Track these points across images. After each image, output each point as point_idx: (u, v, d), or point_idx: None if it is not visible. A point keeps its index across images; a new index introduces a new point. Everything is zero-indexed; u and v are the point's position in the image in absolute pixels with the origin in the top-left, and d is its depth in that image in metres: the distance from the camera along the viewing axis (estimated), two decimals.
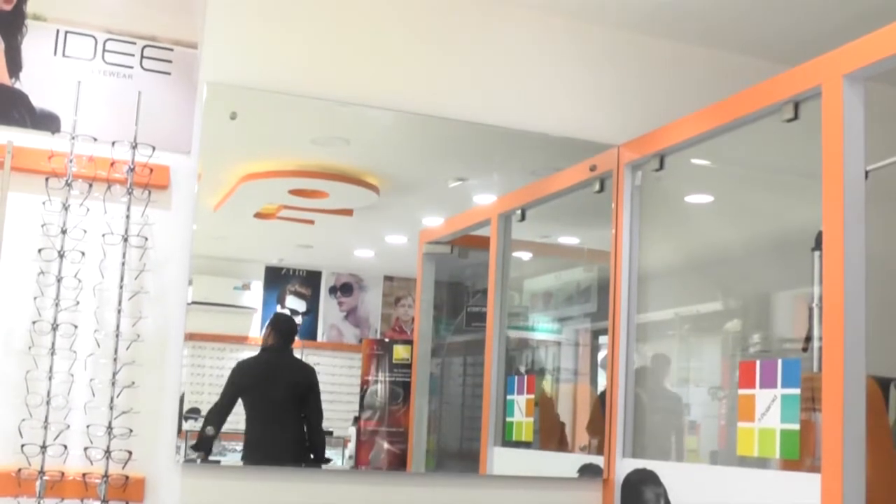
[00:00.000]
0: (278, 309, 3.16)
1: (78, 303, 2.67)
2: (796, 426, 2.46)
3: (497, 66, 3.29)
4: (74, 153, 2.69)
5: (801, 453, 2.45)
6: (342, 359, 3.17)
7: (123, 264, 2.70)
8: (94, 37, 2.80)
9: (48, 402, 2.58)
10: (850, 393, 2.26)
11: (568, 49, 3.39)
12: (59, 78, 2.76)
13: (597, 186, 3.35)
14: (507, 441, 3.29)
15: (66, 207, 2.67)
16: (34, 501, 2.54)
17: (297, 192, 3.11)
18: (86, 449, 2.61)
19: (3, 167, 2.65)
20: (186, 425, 2.82)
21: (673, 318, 3.42)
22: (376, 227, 3.31)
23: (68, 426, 2.61)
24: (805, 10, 3.23)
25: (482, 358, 3.32)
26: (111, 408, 2.63)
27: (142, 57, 2.84)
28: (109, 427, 2.62)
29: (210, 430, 2.90)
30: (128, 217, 2.72)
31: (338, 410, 3.13)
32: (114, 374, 2.65)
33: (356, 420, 3.11)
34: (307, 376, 3.07)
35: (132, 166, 2.73)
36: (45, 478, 2.55)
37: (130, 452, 2.64)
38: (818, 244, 2.49)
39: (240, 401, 3.00)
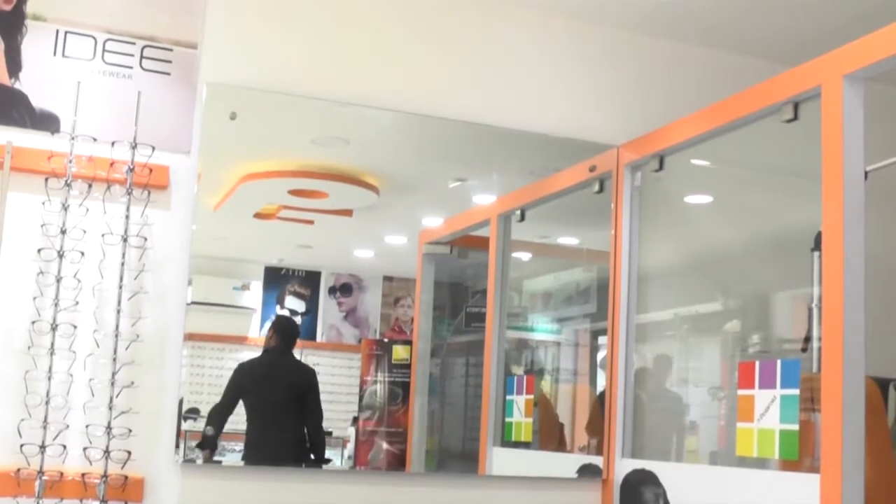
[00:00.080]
0: (278, 309, 3.16)
1: (77, 303, 2.67)
2: (795, 427, 2.46)
3: (497, 66, 3.29)
4: (74, 153, 2.69)
5: (800, 454, 2.45)
6: (341, 359, 3.17)
7: (123, 264, 2.70)
8: (93, 37, 2.80)
9: (47, 402, 2.58)
10: (849, 393, 2.26)
11: (567, 49, 3.39)
12: (59, 78, 2.76)
13: (596, 187, 3.35)
14: (507, 441, 3.29)
15: (65, 207, 2.67)
16: (33, 501, 2.54)
17: (296, 193, 3.11)
18: (85, 449, 2.61)
19: (3, 167, 2.65)
20: (186, 425, 2.82)
21: (672, 319, 3.42)
22: (376, 228, 3.31)
23: (67, 426, 2.61)
24: (805, 10, 3.23)
25: (481, 358, 3.32)
26: (110, 408, 2.63)
27: (141, 57, 2.84)
28: (108, 427, 2.62)
29: (210, 430, 2.90)
30: (127, 217, 2.72)
31: (337, 411, 3.13)
32: (113, 374, 2.65)
33: (355, 420, 3.11)
34: (307, 377, 3.07)
35: (132, 166, 2.73)
36: (44, 478, 2.55)
37: (129, 452, 2.64)
38: (818, 244, 2.49)
39: (241, 402, 3.00)
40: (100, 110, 2.78)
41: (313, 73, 3.06)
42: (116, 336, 2.67)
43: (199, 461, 2.86)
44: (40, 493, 2.54)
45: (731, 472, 2.72)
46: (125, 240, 2.71)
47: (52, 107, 2.74)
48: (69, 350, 2.64)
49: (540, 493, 3.14)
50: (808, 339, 2.74)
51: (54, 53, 2.76)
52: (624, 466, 3.12)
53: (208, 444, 2.92)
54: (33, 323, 2.63)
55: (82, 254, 2.69)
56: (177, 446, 2.76)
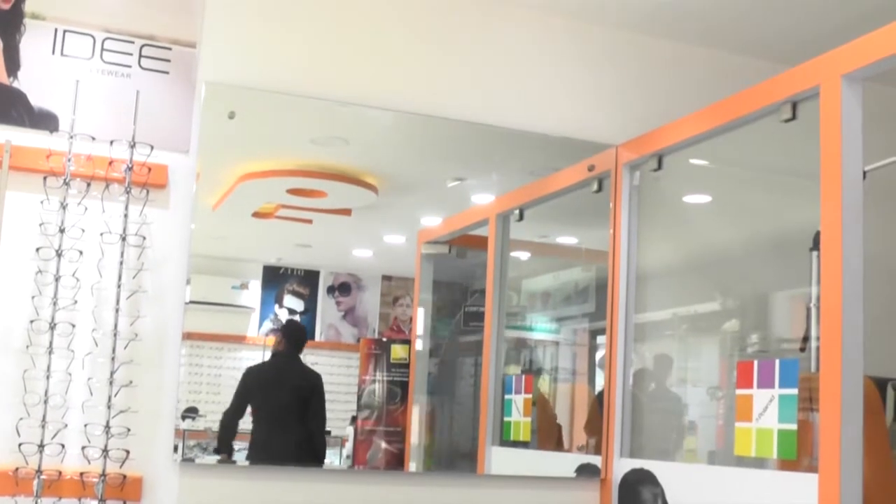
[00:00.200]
0: (276, 309, 3.16)
1: (76, 302, 2.67)
2: (794, 426, 2.46)
3: (496, 66, 3.29)
4: (72, 152, 2.69)
5: (798, 453, 2.45)
6: (340, 358, 3.17)
7: (121, 263, 2.70)
8: (92, 36, 2.80)
9: (46, 401, 2.58)
10: (847, 393, 2.26)
11: (566, 49, 3.39)
12: (58, 77, 2.75)
13: (595, 186, 3.35)
14: (505, 441, 3.29)
15: (64, 206, 2.67)
16: (31, 500, 2.54)
17: (295, 192, 3.11)
18: (83, 448, 2.61)
19: (2, 166, 2.64)
20: (184, 424, 2.82)
21: (671, 318, 3.42)
22: (375, 227, 3.31)
23: (66, 425, 2.61)
24: (804, 10, 3.23)
25: (480, 358, 3.32)
26: (109, 407, 2.63)
27: (140, 56, 2.84)
28: (107, 426, 2.62)
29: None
30: (126, 216, 2.72)
31: (335, 410, 3.13)
32: (111, 374, 2.65)
33: (354, 420, 3.11)
34: (313, 382, 3.09)
35: (130, 165, 2.73)
36: (43, 477, 2.55)
37: (128, 451, 2.64)
38: (816, 244, 2.49)
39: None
40: (98, 109, 2.77)
41: (312, 73, 3.06)
42: (115, 335, 2.67)
43: (198, 460, 2.87)
44: (38, 493, 2.54)
45: (730, 472, 2.72)
46: (124, 239, 2.71)
47: (50, 105, 2.74)
48: (68, 349, 2.64)
49: (538, 492, 3.14)
50: (806, 339, 2.74)
51: (53, 52, 2.76)
52: (622, 466, 3.12)
53: (224, 449, 2.96)
54: (32, 322, 2.63)
55: (81, 253, 2.68)
56: (175, 445, 2.76)
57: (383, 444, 3.10)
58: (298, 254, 3.24)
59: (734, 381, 2.71)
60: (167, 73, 2.86)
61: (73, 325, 2.65)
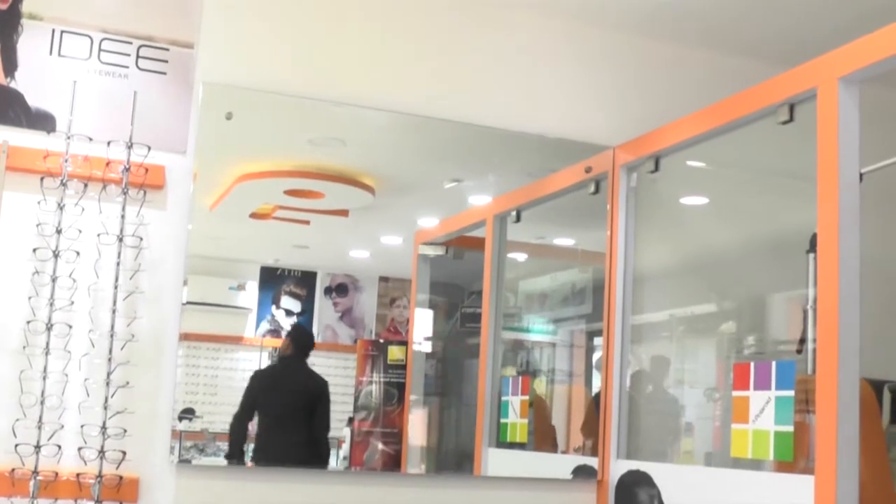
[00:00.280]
0: (273, 310, 3.16)
1: (73, 302, 2.67)
2: (790, 428, 2.46)
3: (493, 67, 3.29)
4: (70, 153, 2.69)
5: (794, 455, 2.45)
6: (337, 359, 3.17)
7: (118, 264, 2.70)
8: (89, 36, 2.80)
9: (42, 402, 2.58)
10: (843, 395, 2.26)
11: (563, 51, 3.39)
12: (55, 77, 2.75)
13: (592, 188, 3.35)
14: (502, 442, 3.29)
15: (61, 207, 2.66)
16: (28, 501, 2.54)
17: (292, 193, 3.11)
18: (80, 449, 2.61)
19: None
20: (181, 425, 2.82)
21: (668, 320, 3.42)
22: (372, 228, 3.31)
23: (62, 426, 2.61)
24: (801, 12, 3.23)
25: (477, 359, 3.32)
26: (105, 408, 2.63)
27: (137, 57, 2.84)
28: (104, 427, 2.62)
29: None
30: (123, 217, 2.72)
31: (332, 411, 3.13)
32: (108, 374, 2.65)
33: (350, 421, 3.11)
34: (320, 387, 3.09)
35: (127, 166, 2.73)
36: (39, 478, 2.54)
37: (124, 452, 2.64)
38: (813, 246, 2.49)
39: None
40: (96, 110, 2.77)
41: (310, 74, 3.06)
42: (112, 336, 2.66)
43: (194, 461, 2.87)
44: (35, 494, 2.54)
45: (726, 474, 2.72)
46: (121, 239, 2.71)
47: (47, 106, 2.73)
48: (64, 350, 2.63)
49: (535, 493, 3.14)
50: (803, 341, 2.74)
51: (50, 53, 2.76)
52: (619, 467, 3.13)
53: (235, 453, 2.99)
54: (28, 323, 2.62)
55: (78, 253, 2.68)
56: (172, 446, 2.76)
57: (380, 446, 3.10)
58: (296, 255, 3.24)
59: (731, 382, 2.71)
60: (164, 73, 2.86)
61: (70, 326, 2.65)
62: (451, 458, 3.32)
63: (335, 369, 3.15)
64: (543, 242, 3.64)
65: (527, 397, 3.30)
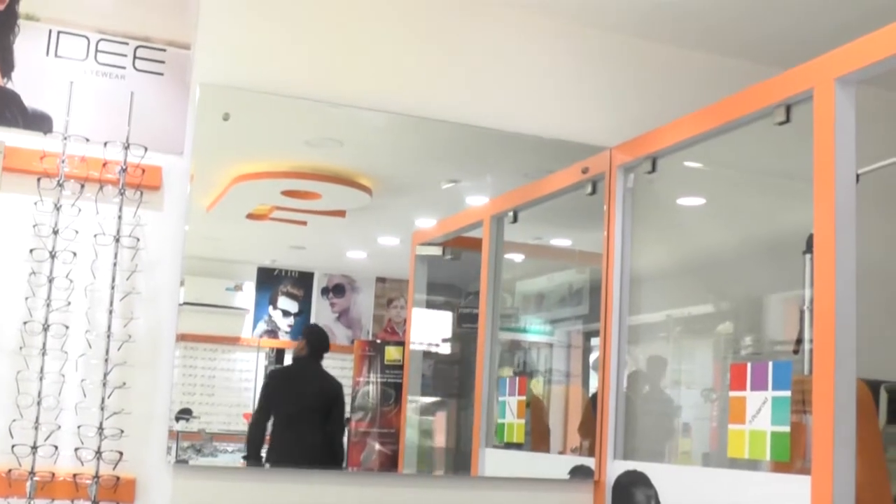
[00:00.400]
0: (270, 310, 3.16)
1: (69, 303, 2.66)
2: (787, 428, 2.47)
3: (490, 68, 3.29)
4: (66, 153, 2.69)
5: (791, 455, 2.45)
6: (334, 360, 3.17)
7: (115, 265, 2.70)
8: (86, 37, 2.80)
9: (39, 403, 2.58)
10: (840, 395, 2.26)
11: (561, 52, 3.39)
12: (52, 78, 2.75)
13: (589, 188, 3.35)
14: (499, 442, 3.29)
15: (57, 208, 2.66)
16: (24, 502, 2.54)
17: (289, 194, 3.11)
18: (76, 450, 2.61)
19: None
20: (178, 426, 2.82)
21: (665, 321, 3.42)
22: (369, 229, 3.31)
23: (59, 427, 2.60)
24: (798, 14, 3.23)
25: (474, 359, 3.32)
26: (102, 408, 2.63)
27: (134, 57, 2.84)
28: (100, 428, 2.62)
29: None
30: (120, 218, 2.72)
31: None
32: (105, 375, 2.65)
33: (347, 421, 3.11)
34: (334, 389, 3.11)
35: (124, 167, 2.73)
36: (36, 478, 2.54)
37: (121, 453, 2.64)
38: (809, 247, 2.49)
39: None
40: (92, 110, 2.77)
41: (307, 75, 3.06)
42: (108, 337, 2.66)
43: (191, 462, 2.86)
44: (31, 494, 2.53)
45: (723, 474, 2.72)
46: (117, 240, 2.71)
47: (44, 107, 2.73)
48: (61, 350, 2.63)
49: (532, 494, 3.14)
50: (799, 342, 2.74)
51: (47, 53, 2.76)
52: (616, 468, 3.13)
53: (252, 454, 3.00)
54: (25, 323, 2.62)
55: (74, 254, 2.68)
56: (168, 447, 2.76)
57: (377, 446, 3.10)
58: (293, 255, 3.24)
59: (727, 383, 2.71)
60: (161, 74, 2.86)
61: (67, 327, 2.65)
62: (449, 458, 3.32)
63: (332, 370, 3.16)
64: (540, 243, 3.65)
65: (524, 398, 3.30)
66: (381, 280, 3.26)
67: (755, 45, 3.47)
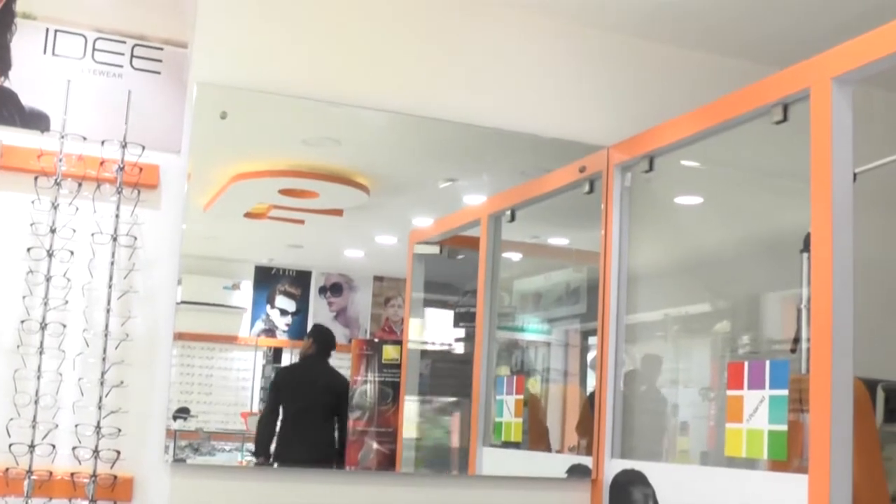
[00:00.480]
0: (268, 309, 3.16)
1: (67, 302, 2.66)
2: (784, 427, 2.47)
3: (488, 67, 3.29)
4: (64, 152, 2.69)
5: (788, 454, 2.45)
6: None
7: (112, 263, 2.70)
8: (83, 36, 2.80)
9: (36, 402, 2.58)
10: (837, 394, 2.27)
11: (558, 51, 3.39)
12: (49, 77, 2.75)
13: (586, 187, 3.36)
14: (496, 441, 3.29)
15: (55, 206, 2.66)
16: (22, 501, 2.54)
17: (287, 192, 3.11)
18: (74, 448, 2.61)
19: None
20: (175, 425, 2.82)
21: (662, 319, 3.42)
22: (366, 228, 3.31)
23: (56, 425, 2.60)
24: (795, 13, 3.24)
25: (472, 358, 3.32)
26: (100, 407, 2.63)
27: (132, 56, 2.84)
28: (98, 426, 2.62)
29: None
30: (117, 216, 2.72)
31: None
32: (102, 374, 2.64)
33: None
34: (343, 385, 3.11)
35: (122, 165, 2.72)
36: (33, 477, 2.54)
37: (119, 452, 2.64)
38: (806, 246, 2.49)
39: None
40: (90, 109, 2.77)
41: (304, 73, 3.06)
42: (106, 335, 2.66)
43: (189, 461, 2.86)
44: (29, 493, 2.53)
45: (720, 473, 2.73)
46: (115, 239, 2.71)
47: (41, 105, 2.73)
48: (58, 349, 2.63)
49: (529, 493, 3.14)
50: (797, 340, 2.74)
51: (44, 52, 2.76)
52: (613, 467, 3.13)
53: (261, 452, 3.01)
54: (22, 322, 2.62)
55: (72, 253, 2.68)
56: (166, 446, 2.76)
57: (375, 445, 3.10)
58: (290, 254, 3.24)
59: (725, 381, 2.71)
60: (159, 73, 2.86)
61: (64, 326, 2.64)
62: (446, 457, 3.32)
63: None
64: (538, 242, 3.65)
65: (521, 397, 3.30)
66: (378, 279, 3.26)
67: (754, 44, 3.47)
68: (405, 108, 3.15)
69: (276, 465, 3.04)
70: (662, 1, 3.22)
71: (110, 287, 2.68)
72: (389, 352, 3.16)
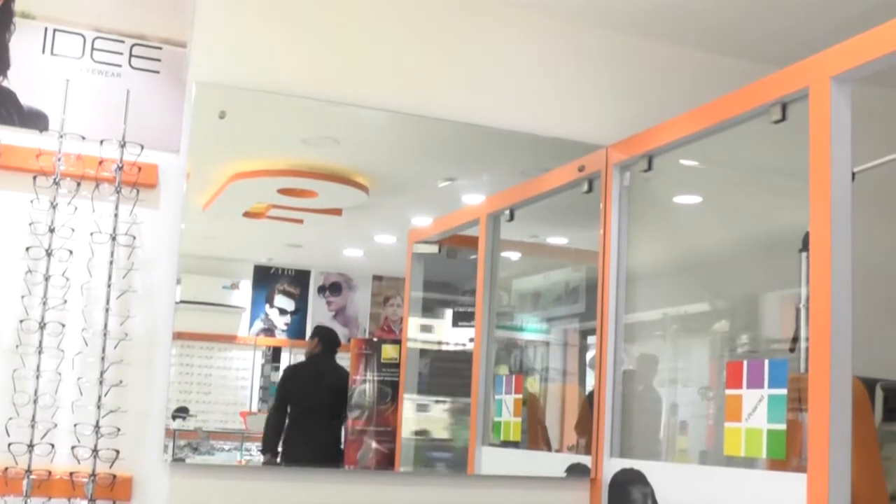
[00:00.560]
0: (267, 308, 3.16)
1: (66, 301, 2.66)
2: (783, 426, 2.47)
3: (487, 66, 3.29)
4: (62, 151, 2.69)
5: (787, 453, 2.46)
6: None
7: (111, 263, 2.70)
8: (82, 35, 2.80)
9: (35, 401, 2.58)
10: (836, 393, 2.27)
11: (557, 50, 3.39)
12: (48, 76, 2.75)
13: (585, 187, 3.36)
14: (495, 441, 3.29)
15: (53, 206, 2.66)
16: (21, 500, 2.54)
17: (286, 192, 3.11)
18: (73, 448, 2.61)
19: None
20: (174, 424, 2.82)
21: (661, 319, 3.43)
22: (365, 227, 3.31)
23: (55, 425, 2.60)
24: (794, 13, 3.24)
25: (471, 357, 3.32)
26: (99, 407, 2.63)
27: (130, 55, 2.84)
28: (97, 426, 2.62)
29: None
30: (116, 216, 2.72)
31: None
32: (101, 373, 2.64)
33: (344, 419, 3.11)
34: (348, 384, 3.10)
35: (120, 165, 2.72)
36: (32, 477, 2.54)
37: (118, 451, 2.64)
38: (805, 245, 2.49)
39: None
40: (88, 108, 2.77)
41: (303, 73, 3.06)
42: (105, 335, 2.66)
43: (188, 460, 2.86)
44: (28, 493, 2.53)
45: (719, 472, 2.73)
46: (114, 238, 2.71)
47: (40, 105, 2.73)
48: (57, 349, 2.63)
49: (528, 492, 3.14)
50: (795, 340, 2.75)
51: (43, 51, 2.76)
52: (612, 466, 3.13)
53: (269, 450, 3.03)
54: (21, 321, 2.62)
55: (71, 252, 2.68)
56: (165, 445, 2.76)
57: (374, 444, 3.10)
58: (289, 254, 3.24)
59: (724, 381, 2.72)
60: (158, 72, 2.86)
61: (63, 325, 2.64)
62: (445, 456, 3.32)
63: None
64: (537, 241, 3.65)
65: (520, 396, 3.30)
66: (377, 278, 3.26)
67: (754, 44, 3.47)
68: (405, 107, 3.15)
69: (281, 464, 3.04)
70: (662, 1, 3.22)
71: (109, 286, 2.68)
72: (388, 351, 3.16)
